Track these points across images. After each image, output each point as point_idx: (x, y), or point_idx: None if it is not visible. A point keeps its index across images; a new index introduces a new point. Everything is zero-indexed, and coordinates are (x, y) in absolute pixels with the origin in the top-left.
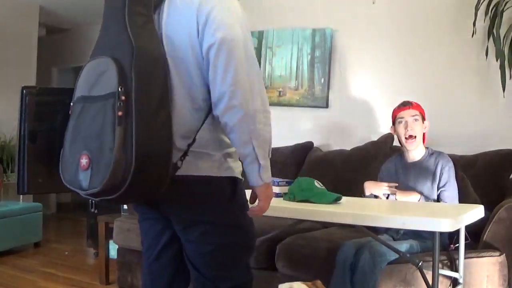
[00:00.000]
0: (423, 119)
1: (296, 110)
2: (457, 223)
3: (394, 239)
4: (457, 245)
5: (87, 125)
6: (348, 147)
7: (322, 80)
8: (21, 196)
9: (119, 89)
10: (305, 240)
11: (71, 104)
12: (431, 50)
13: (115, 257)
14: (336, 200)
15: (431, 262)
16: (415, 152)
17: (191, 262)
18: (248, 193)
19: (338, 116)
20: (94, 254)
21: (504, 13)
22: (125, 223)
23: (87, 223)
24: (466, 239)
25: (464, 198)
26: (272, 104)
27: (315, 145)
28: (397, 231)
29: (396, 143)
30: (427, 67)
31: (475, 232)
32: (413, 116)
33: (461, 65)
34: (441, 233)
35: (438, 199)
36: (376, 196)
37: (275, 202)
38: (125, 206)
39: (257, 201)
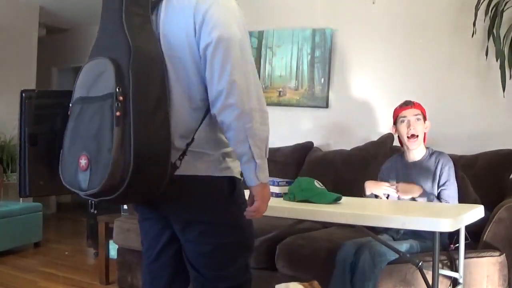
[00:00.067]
0: (425, 119)
1: (296, 110)
2: (457, 223)
3: (394, 239)
4: (457, 245)
5: (85, 126)
6: (348, 147)
7: (322, 80)
8: None
9: (117, 90)
10: (305, 240)
11: (70, 105)
12: (431, 50)
13: (115, 257)
14: (336, 200)
15: (431, 262)
16: (416, 152)
17: (190, 262)
18: (247, 193)
19: (338, 116)
20: (94, 254)
21: (504, 13)
22: (125, 223)
23: (87, 223)
24: (466, 239)
25: (464, 198)
26: (272, 104)
27: (315, 145)
28: (397, 231)
29: (396, 143)
30: (427, 67)
31: (475, 232)
32: (416, 115)
33: (461, 65)
34: (441, 233)
35: (438, 198)
36: (376, 196)
37: (275, 202)
38: (125, 206)
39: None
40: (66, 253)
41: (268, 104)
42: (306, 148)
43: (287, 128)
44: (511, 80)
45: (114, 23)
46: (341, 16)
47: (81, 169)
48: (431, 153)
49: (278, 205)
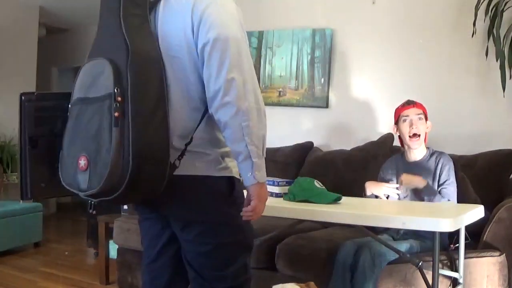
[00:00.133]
0: (426, 118)
1: (296, 110)
2: (457, 223)
3: (394, 239)
4: (457, 245)
5: (84, 127)
6: (348, 147)
7: (322, 80)
8: None
9: (115, 90)
10: (305, 240)
11: (69, 106)
12: (431, 50)
13: (115, 257)
14: (336, 200)
15: (431, 262)
16: (417, 151)
17: (189, 262)
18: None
19: (338, 116)
20: (94, 254)
21: (504, 13)
22: (125, 223)
23: (87, 223)
24: (466, 239)
25: (464, 198)
26: (272, 104)
27: (315, 145)
28: (397, 231)
29: (396, 143)
30: (427, 67)
31: (475, 232)
32: (418, 114)
33: (461, 65)
34: (441, 233)
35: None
36: (376, 197)
37: (275, 202)
38: (125, 206)
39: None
40: (66, 253)
41: (268, 104)
42: (306, 148)
43: (287, 128)
44: (511, 80)
45: (112, 23)
46: (341, 16)
47: (80, 170)
48: (432, 153)
49: (278, 205)
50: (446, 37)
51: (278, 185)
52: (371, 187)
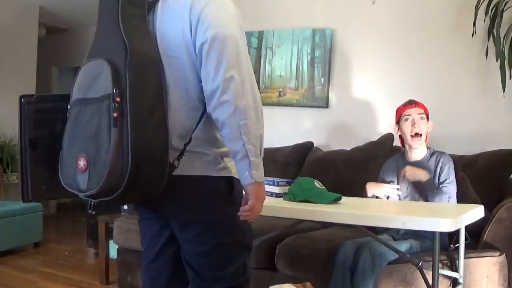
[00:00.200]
0: (427, 118)
1: (296, 110)
2: (457, 223)
3: (394, 239)
4: (457, 245)
5: (83, 128)
6: (348, 147)
7: (322, 80)
8: None
9: (114, 91)
10: (305, 240)
11: (68, 107)
12: (431, 50)
13: (115, 257)
14: (336, 200)
15: (431, 262)
16: (418, 151)
17: (188, 263)
18: None
19: (338, 116)
20: (94, 254)
21: (504, 13)
22: (125, 223)
23: (87, 223)
24: (466, 239)
25: (464, 198)
26: (272, 104)
27: (315, 145)
28: (397, 231)
29: (396, 143)
30: (427, 67)
31: (475, 232)
32: (420, 114)
33: (461, 65)
34: (441, 233)
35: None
36: (377, 197)
37: (275, 202)
38: (125, 206)
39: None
40: (66, 253)
41: (268, 104)
42: (306, 148)
43: (287, 128)
44: (511, 80)
45: (110, 24)
46: (341, 16)
47: (79, 170)
48: (432, 153)
49: (278, 205)
50: (446, 37)
51: (278, 185)
52: (372, 188)
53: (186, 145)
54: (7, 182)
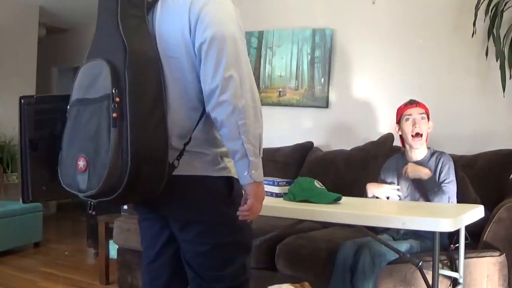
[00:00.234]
0: (428, 118)
1: (296, 110)
2: (457, 223)
3: (394, 239)
4: (457, 245)
5: (83, 128)
6: (348, 147)
7: (322, 80)
8: None
9: (113, 91)
10: (305, 240)
11: (68, 107)
12: (431, 50)
13: (115, 257)
14: (336, 200)
15: (431, 262)
16: (418, 151)
17: (188, 263)
18: None
19: (338, 116)
20: (94, 254)
21: (504, 13)
22: (125, 223)
23: (87, 223)
24: (466, 239)
25: (464, 198)
26: (272, 104)
27: (315, 145)
28: (397, 231)
29: (396, 143)
30: (427, 67)
31: (475, 232)
32: (421, 114)
33: (461, 65)
34: (441, 233)
35: None
36: (377, 198)
37: (275, 202)
38: (125, 206)
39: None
40: (66, 253)
41: (268, 104)
42: (306, 148)
43: (287, 128)
44: (511, 80)
45: (110, 24)
46: (341, 16)
47: (79, 171)
48: (432, 153)
49: (278, 205)
50: (446, 37)
51: (278, 185)
52: (372, 189)
53: (185, 145)
54: (7, 182)
